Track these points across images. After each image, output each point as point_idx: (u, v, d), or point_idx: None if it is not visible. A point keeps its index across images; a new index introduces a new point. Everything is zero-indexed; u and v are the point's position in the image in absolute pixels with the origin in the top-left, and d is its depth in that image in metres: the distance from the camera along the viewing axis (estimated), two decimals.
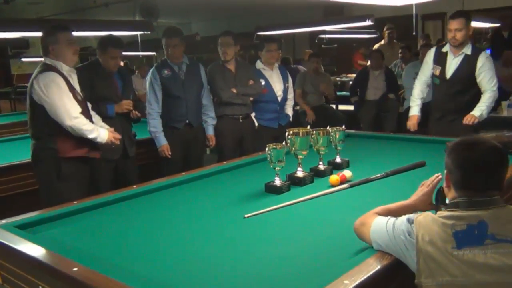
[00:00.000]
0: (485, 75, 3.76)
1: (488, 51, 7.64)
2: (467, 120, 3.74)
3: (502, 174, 1.50)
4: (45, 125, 3.03)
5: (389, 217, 1.61)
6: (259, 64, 4.48)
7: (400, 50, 6.80)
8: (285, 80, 4.52)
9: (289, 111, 4.61)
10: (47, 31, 3.09)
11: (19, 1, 6.79)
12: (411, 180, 2.49)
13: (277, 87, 4.45)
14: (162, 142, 3.91)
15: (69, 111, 2.96)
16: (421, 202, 1.75)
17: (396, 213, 1.68)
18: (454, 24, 3.75)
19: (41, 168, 3.11)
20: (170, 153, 3.91)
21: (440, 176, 1.76)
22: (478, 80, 3.78)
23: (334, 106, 7.06)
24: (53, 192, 3.04)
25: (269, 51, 4.40)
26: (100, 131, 3.12)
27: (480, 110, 3.75)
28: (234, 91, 4.15)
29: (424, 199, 1.75)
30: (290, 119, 4.61)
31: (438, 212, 1.52)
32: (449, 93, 3.93)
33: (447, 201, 1.63)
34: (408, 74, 5.64)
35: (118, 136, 3.26)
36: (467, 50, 3.81)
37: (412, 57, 6.58)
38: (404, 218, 1.54)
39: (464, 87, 3.85)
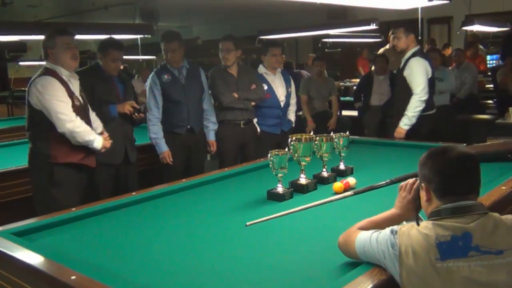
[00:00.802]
0: (411, 79, 4.00)
1: (495, 57, 7.62)
2: (397, 134, 3.99)
3: (478, 177, 1.52)
4: (41, 130, 3.01)
5: (372, 230, 1.59)
6: (261, 69, 4.44)
7: None
8: (288, 85, 4.47)
9: (291, 116, 4.57)
10: (46, 35, 3.07)
11: (17, 4, 6.79)
12: None
13: (280, 92, 4.40)
14: (163, 148, 3.87)
15: (62, 115, 2.93)
16: (407, 211, 1.72)
17: (382, 225, 1.65)
18: (394, 33, 4.18)
19: (35, 173, 3.09)
20: (171, 160, 3.87)
21: (416, 180, 1.73)
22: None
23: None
24: (47, 198, 3.01)
25: (273, 56, 4.35)
26: (96, 136, 3.09)
27: (405, 119, 3.97)
28: (236, 95, 4.11)
29: (410, 207, 1.71)
30: (293, 125, 4.57)
31: (422, 223, 1.50)
32: (394, 92, 4.46)
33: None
34: None
35: (110, 141, 3.22)
36: (408, 55, 4.10)
37: None
38: (387, 230, 1.52)
39: (402, 88, 4.09)
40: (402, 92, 4.07)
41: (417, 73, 3.97)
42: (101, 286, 1.47)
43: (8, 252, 1.78)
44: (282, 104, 4.39)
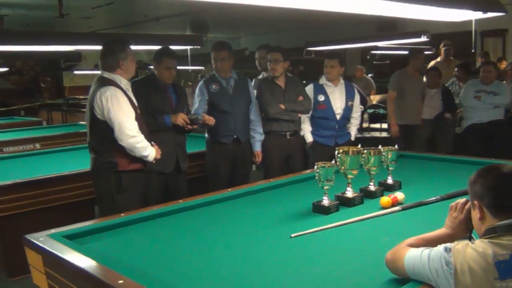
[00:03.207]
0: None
1: None
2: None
3: None
4: (105, 140, 3.06)
5: (423, 248, 1.55)
6: (322, 79, 4.40)
7: (456, 69, 6.58)
8: (349, 98, 4.37)
9: (352, 130, 4.46)
10: (118, 47, 3.11)
11: (73, 15, 7.06)
12: None
13: (337, 104, 4.32)
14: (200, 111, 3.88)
15: (126, 129, 2.98)
16: (459, 231, 1.66)
17: (432, 243, 1.60)
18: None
19: (101, 181, 3.14)
20: (211, 121, 3.82)
21: (468, 200, 1.67)
22: None
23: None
24: (112, 205, 3.05)
25: (325, 67, 4.31)
26: (151, 150, 3.15)
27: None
28: (282, 107, 4.11)
29: (462, 227, 1.66)
30: (352, 139, 4.42)
31: (477, 241, 1.46)
32: None
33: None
34: (467, 92, 5.45)
35: (159, 152, 3.25)
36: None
37: (468, 76, 6.34)
38: (440, 247, 1.47)
39: None
40: None
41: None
42: None
43: (59, 254, 1.83)
44: (338, 116, 4.31)
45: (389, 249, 1.83)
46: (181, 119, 3.61)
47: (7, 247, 3.45)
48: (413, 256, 1.53)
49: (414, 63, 5.54)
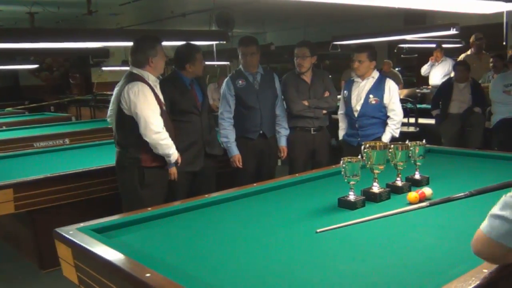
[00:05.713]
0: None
1: None
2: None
3: None
4: (130, 135, 3.11)
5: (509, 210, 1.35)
6: (353, 74, 4.25)
7: (491, 60, 6.42)
8: (373, 93, 3.93)
9: (386, 133, 3.92)
10: (149, 44, 3.15)
11: (101, 12, 7.14)
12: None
13: (353, 100, 4.00)
14: (234, 152, 3.92)
15: (151, 125, 3.02)
16: None
17: None
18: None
19: (125, 175, 3.19)
20: (241, 164, 3.91)
21: None
22: None
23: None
24: (136, 199, 3.11)
25: (353, 61, 4.05)
26: (174, 151, 3.18)
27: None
28: (306, 103, 4.08)
29: None
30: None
31: None
32: None
33: None
34: (496, 86, 5.32)
35: (180, 159, 3.30)
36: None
37: (505, 67, 6.18)
38: None
39: None
40: None
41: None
42: (175, 285, 1.50)
43: (88, 247, 1.87)
44: (355, 114, 3.97)
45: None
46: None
47: (38, 240, 3.55)
48: (488, 222, 1.41)
49: None
